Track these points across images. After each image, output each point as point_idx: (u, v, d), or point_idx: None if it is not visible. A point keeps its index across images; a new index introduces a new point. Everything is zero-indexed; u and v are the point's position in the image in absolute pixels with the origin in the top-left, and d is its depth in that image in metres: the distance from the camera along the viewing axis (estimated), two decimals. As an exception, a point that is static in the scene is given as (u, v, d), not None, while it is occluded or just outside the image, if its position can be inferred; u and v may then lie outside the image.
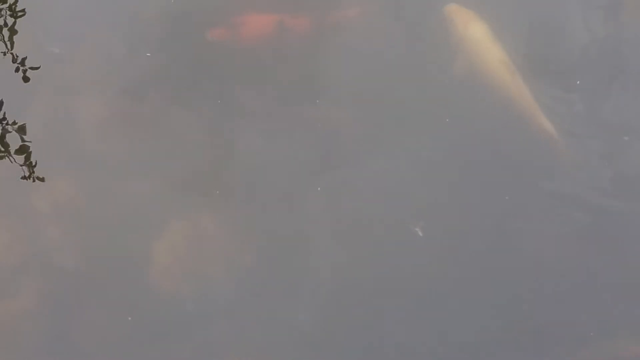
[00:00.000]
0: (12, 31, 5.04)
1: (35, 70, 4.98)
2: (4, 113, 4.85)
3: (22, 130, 4.78)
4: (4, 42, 5.01)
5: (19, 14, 5.11)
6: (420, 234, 4.74)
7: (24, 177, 4.72)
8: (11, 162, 4.69)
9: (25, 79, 4.95)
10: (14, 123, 4.81)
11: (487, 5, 5.37)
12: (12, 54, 5.00)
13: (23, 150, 4.73)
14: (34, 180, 4.72)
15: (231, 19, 5.34)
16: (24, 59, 5.00)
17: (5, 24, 5.07)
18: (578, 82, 5.06)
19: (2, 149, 4.74)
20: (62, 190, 4.86)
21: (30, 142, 4.74)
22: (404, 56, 5.28)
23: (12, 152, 4.73)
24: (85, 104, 5.09)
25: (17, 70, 4.96)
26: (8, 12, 5.11)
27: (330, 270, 4.70)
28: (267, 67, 5.26)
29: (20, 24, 5.05)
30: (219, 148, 5.02)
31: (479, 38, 5.25)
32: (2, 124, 4.83)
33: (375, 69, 5.22)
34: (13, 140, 4.77)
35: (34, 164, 4.72)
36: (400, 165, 4.91)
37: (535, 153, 4.97)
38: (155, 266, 4.75)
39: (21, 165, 4.71)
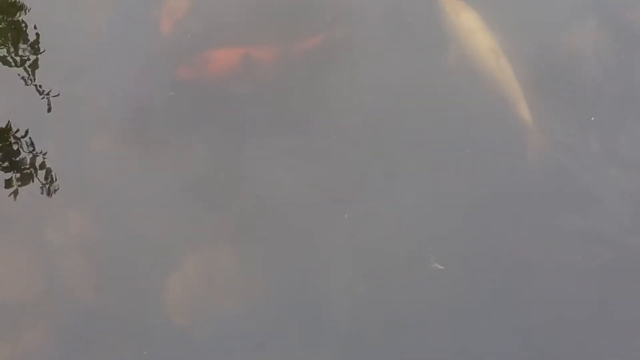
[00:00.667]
0: (34, 66, 5.21)
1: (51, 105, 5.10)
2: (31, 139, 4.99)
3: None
4: (26, 72, 5.17)
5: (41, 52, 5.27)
6: (440, 267, 4.73)
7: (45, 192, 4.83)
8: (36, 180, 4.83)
9: (49, 110, 5.09)
10: (43, 156, 4.96)
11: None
12: (35, 85, 5.13)
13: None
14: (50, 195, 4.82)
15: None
16: (49, 91, 5.13)
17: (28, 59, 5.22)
18: (592, 119, 5.12)
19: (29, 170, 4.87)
20: (76, 224, 4.86)
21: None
22: (406, 75, 5.31)
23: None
24: (100, 138, 5.13)
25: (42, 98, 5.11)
26: (30, 50, 5.26)
27: (349, 303, 4.67)
28: (276, 98, 5.28)
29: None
30: (233, 180, 5.01)
31: (470, 27, 5.34)
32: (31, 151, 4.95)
33: (383, 92, 5.25)
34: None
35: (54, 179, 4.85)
36: (416, 197, 4.91)
37: (555, 188, 4.97)
38: (170, 300, 4.71)
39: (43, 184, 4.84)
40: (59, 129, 5.11)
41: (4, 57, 5.23)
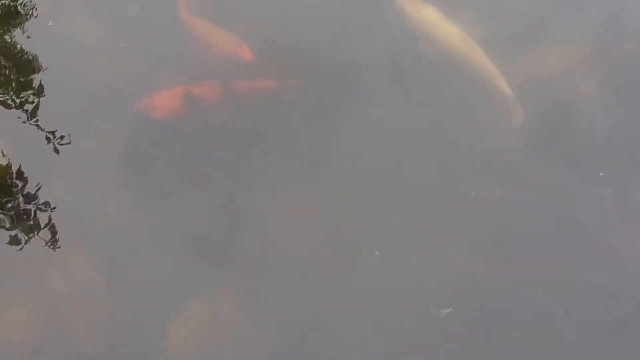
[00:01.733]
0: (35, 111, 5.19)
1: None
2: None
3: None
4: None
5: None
6: (446, 310, 4.65)
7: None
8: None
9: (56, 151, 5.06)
10: (46, 204, 4.87)
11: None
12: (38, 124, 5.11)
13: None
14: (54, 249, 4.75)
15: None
16: (54, 132, 5.08)
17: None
18: (601, 174, 5.14)
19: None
20: (78, 269, 4.78)
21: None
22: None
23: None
24: (102, 181, 5.06)
25: (48, 141, 5.06)
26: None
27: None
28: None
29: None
30: (237, 224, 4.95)
31: (434, 20, 5.65)
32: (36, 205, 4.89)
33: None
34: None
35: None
36: (424, 245, 4.86)
37: (573, 243, 4.93)
38: (172, 347, 4.62)
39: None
40: (62, 174, 5.05)
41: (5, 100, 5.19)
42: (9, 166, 4.96)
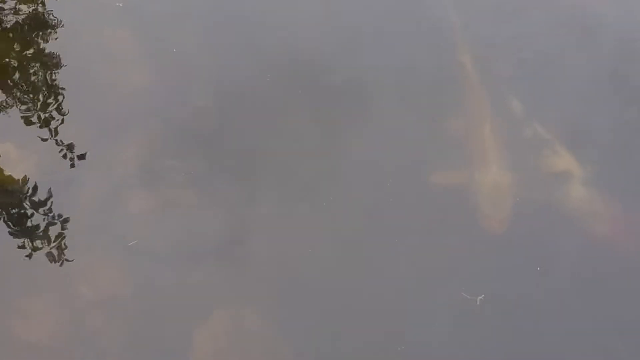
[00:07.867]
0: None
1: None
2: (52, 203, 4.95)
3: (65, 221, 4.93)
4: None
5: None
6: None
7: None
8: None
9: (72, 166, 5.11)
10: (60, 216, 4.90)
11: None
12: (56, 140, 5.18)
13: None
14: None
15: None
16: (70, 145, 5.15)
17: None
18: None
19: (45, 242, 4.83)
20: (105, 277, 4.79)
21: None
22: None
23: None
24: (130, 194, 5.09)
25: (64, 156, 5.12)
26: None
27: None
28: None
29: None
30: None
31: None
32: (48, 216, 4.92)
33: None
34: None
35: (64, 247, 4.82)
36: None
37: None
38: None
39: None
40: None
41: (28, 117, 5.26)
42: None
